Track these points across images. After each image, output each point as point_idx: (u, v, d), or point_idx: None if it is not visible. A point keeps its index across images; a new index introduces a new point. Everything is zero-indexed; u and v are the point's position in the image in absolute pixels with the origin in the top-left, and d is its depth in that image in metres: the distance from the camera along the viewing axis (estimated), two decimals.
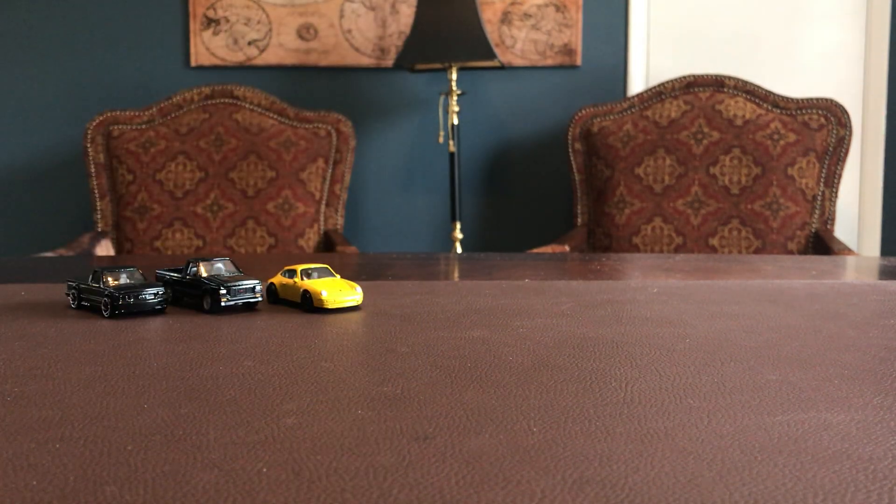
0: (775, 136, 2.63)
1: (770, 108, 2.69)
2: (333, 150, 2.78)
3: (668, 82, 2.77)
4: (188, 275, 0.87)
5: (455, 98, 2.78)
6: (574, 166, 2.80)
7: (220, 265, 0.87)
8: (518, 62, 3.01)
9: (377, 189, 3.10)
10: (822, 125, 2.65)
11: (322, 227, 2.75)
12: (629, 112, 2.78)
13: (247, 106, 2.79)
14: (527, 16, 2.99)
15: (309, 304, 0.84)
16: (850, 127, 2.64)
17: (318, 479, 0.40)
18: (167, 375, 0.59)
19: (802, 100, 2.68)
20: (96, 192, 2.72)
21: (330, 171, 2.77)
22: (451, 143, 2.79)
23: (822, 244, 2.55)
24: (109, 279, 0.83)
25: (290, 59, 3.03)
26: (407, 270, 1.18)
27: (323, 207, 2.76)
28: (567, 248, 2.55)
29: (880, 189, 3.03)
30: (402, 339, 0.71)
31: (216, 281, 0.84)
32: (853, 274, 1.16)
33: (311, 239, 2.71)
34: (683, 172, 2.66)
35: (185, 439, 0.45)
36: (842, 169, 2.65)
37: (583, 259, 1.34)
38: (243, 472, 0.41)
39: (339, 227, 2.78)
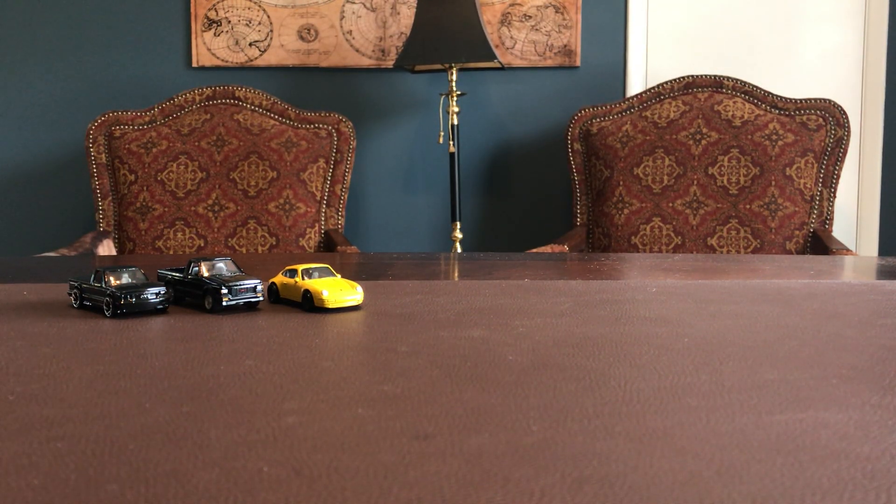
0: (773, 137, 2.63)
1: (768, 108, 2.69)
2: (334, 151, 2.78)
3: (666, 83, 2.77)
4: (190, 274, 0.87)
5: (455, 99, 2.78)
6: (573, 166, 2.80)
7: (221, 265, 0.88)
8: (518, 63, 3.01)
9: (378, 189, 3.10)
10: (821, 126, 2.65)
11: (323, 227, 2.75)
12: (628, 113, 2.78)
13: (248, 106, 2.79)
14: (526, 17, 2.99)
15: (310, 303, 0.84)
16: (848, 127, 2.64)
17: (319, 477, 0.40)
18: (168, 375, 0.59)
19: (800, 100, 2.69)
20: (98, 192, 2.72)
21: (331, 171, 2.77)
22: (451, 143, 2.79)
23: (820, 244, 2.55)
24: (111, 279, 0.83)
25: (290, 60, 3.03)
26: (407, 270, 1.18)
27: (324, 207, 2.76)
28: (566, 247, 2.55)
29: (878, 189, 3.03)
30: (403, 338, 0.71)
31: (217, 280, 0.84)
32: (851, 274, 1.16)
33: (311, 239, 2.71)
34: (682, 173, 2.66)
35: (187, 438, 0.46)
36: (840, 169, 2.65)
37: (582, 259, 1.35)
38: (244, 470, 0.41)
39: (339, 227, 2.78)
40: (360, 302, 0.86)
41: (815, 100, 2.68)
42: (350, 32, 3.02)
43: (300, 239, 2.69)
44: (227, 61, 3.03)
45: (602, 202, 2.73)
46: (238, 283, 0.83)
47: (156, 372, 0.60)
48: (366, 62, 3.02)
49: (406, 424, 0.48)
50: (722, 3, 3.04)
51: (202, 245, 2.65)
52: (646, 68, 3.06)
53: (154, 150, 2.70)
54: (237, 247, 2.66)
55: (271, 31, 3.02)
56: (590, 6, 3.00)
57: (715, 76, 2.75)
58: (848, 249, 2.43)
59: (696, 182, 2.65)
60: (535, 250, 2.54)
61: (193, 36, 3.02)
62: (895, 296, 0.94)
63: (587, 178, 2.80)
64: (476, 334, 0.73)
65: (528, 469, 0.41)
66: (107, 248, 2.63)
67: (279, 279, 0.89)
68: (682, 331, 0.74)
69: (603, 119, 2.79)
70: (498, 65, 2.77)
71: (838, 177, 2.65)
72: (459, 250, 2.82)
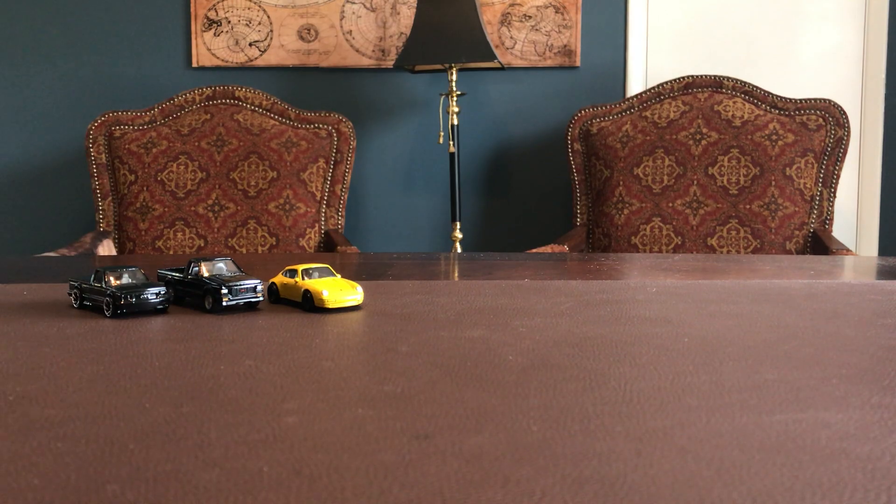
0: (773, 137, 2.63)
1: (768, 108, 2.69)
2: (334, 151, 2.78)
3: (666, 83, 2.77)
4: (190, 274, 0.87)
5: (455, 99, 2.79)
6: (573, 167, 2.80)
7: (221, 265, 0.88)
8: (518, 63, 3.01)
9: (378, 189, 3.10)
10: (820, 126, 2.65)
11: (323, 227, 2.75)
12: (628, 113, 2.78)
13: (248, 107, 2.79)
14: (526, 17, 2.99)
15: (310, 303, 0.84)
16: (848, 127, 2.64)
17: (319, 477, 0.40)
18: (169, 374, 0.59)
19: (800, 100, 2.69)
20: (98, 192, 2.72)
21: (331, 171, 2.77)
22: (451, 143, 2.79)
23: (820, 244, 2.55)
24: (111, 279, 0.83)
25: (290, 60, 3.03)
26: (407, 270, 1.18)
27: (324, 207, 2.76)
28: (566, 247, 2.55)
29: (878, 189, 3.03)
30: (403, 338, 0.71)
31: (218, 280, 0.84)
32: (851, 274, 1.16)
33: (312, 239, 2.71)
34: (682, 173, 2.66)
35: (187, 438, 0.46)
36: (840, 169, 2.65)
37: (582, 259, 1.35)
38: (244, 470, 0.41)
39: (339, 227, 2.78)
40: (360, 302, 0.86)
41: (815, 100, 2.68)
42: (350, 32, 3.02)
43: (300, 239, 2.69)
44: (227, 61, 3.03)
45: (602, 202, 2.73)
46: (238, 283, 0.83)
47: (156, 372, 0.60)
48: (366, 62, 3.02)
49: (406, 424, 0.48)
50: (722, 3, 3.04)
51: (202, 245, 2.65)
52: (646, 68, 3.06)
53: (154, 151, 2.70)
54: (237, 247, 2.66)
55: (271, 31, 3.02)
56: (590, 6, 3.00)
57: (715, 76, 2.75)
58: (848, 249, 2.43)
59: (696, 182, 2.65)
60: (535, 250, 2.54)
61: (193, 36, 3.02)
62: (895, 296, 0.94)
63: (587, 178, 2.80)
64: (476, 334, 0.73)
65: (528, 469, 0.41)
66: (107, 248, 2.63)
67: (279, 279, 0.89)
68: (682, 331, 0.74)
69: (603, 119, 2.79)
70: (498, 65, 2.77)
71: (838, 177, 2.65)
72: (459, 250, 2.82)
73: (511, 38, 3.00)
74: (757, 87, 2.72)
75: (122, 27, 3.03)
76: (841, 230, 3.04)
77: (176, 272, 0.90)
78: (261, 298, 0.85)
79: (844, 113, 2.65)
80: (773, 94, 2.71)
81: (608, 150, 2.72)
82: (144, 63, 3.04)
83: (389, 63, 3.01)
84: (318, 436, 0.46)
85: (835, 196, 2.65)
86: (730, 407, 0.51)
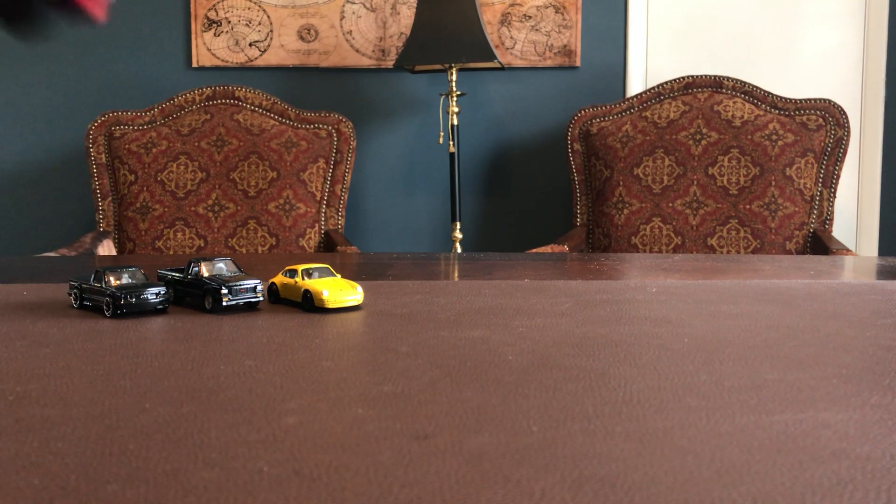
0: (773, 137, 2.63)
1: (768, 108, 2.69)
2: (334, 151, 2.78)
3: (666, 83, 2.77)
4: (190, 275, 0.87)
5: (455, 99, 2.79)
6: (573, 167, 2.80)
7: (221, 265, 0.88)
8: (518, 63, 3.01)
9: (378, 189, 3.10)
10: (820, 126, 2.65)
11: (323, 227, 2.75)
12: (628, 113, 2.78)
13: (248, 107, 2.80)
14: (526, 17, 2.99)
15: (310, 303, 0.84)
16: (848, 127, 2.64)
17: (319, 477, 0.40)
18: (169, 375, 0.59)
19: (800, 100, 2.69)
20: (98, 192, 2.72)
21: (331, 171, 2.77)
22: (451, 143, 2.79)
23: (820, 244, 2.55)
24: (111, 279, 0.83)
25: (290, 60, 3.03)
26: (407, 270, 1.18)
27: (324, 207, 2.76)
28: (566, 248, 2.55)
29: (878, 189, 3.03)
30: (403, 338, 0.71)
31: (218, 281, 0.84)
32: (851, 274, 1.16)
33: (311, 239, 2.71)
34: (682, 173, 2.66)
35: (187, 438, 0.46)
36: (840, 169, 2.65)
37: (582, 259, 1.35)
38: (244, 470, 0.41)
39: (339, 227, 2.78)
40: (360, 302, 0.86)
41: (815, 100, 2.68)
42: (350, 32, 3.02)
43: (300, 239, 2.69)
44: (227, 61, 3.03)
45: (602, 202, 2.73)
46: (238, 283, 0.83)
47: (156, 372, 0.60)
48: (366, 62, 3.02)
49: (406, 424, 0.48)
50: (722, 3, 3.04)
51: (202, 245, 2.65)
52: (646, 68, 3.06)
53: (154, 151, 2.70)
54: (237, 247, 2.66)
55: (271, 31, 3.02)
56: (590, 6, 3.00)
57: (715, 76, 2.75)
58: (848, 249, 2.43)
59: (696, 182, 2.65)
60: (535, 250, 2.54)
61: (193, 36, 3.02)
62: (895, 296, 0.94)
63: (587, 178, 2.80)
64: (476, 334, 0.73)
65: (528, 469, 0.41)
66: (107, 248, 2.63)
67: (279, 279, 0.89)
68: (682, 331, 0.74)
69: (603, 119, 2.79)
70: (498, 65, 2.77)
71: (838, 177, 2.65)
72: (459, 250, 2.82)
73: (511, 38, 3.00)
74: (757, 87, 2.72)
75: (123, 27, 3.03)
76: (841, 230, 3.04)
77: (176, 272, 0.90)
78: (261, 298, 0.85)
79: (844, 113, 2.65)
80: (773, 94, 2.71)
81: (608, 150, 2.72)
82: (145, 63, 3.04)
83: (389, 63, 3.01)
84: (318, 436, 0.46)
85: (835, 196, 2.65)
86: (730, 407, 0.51)
